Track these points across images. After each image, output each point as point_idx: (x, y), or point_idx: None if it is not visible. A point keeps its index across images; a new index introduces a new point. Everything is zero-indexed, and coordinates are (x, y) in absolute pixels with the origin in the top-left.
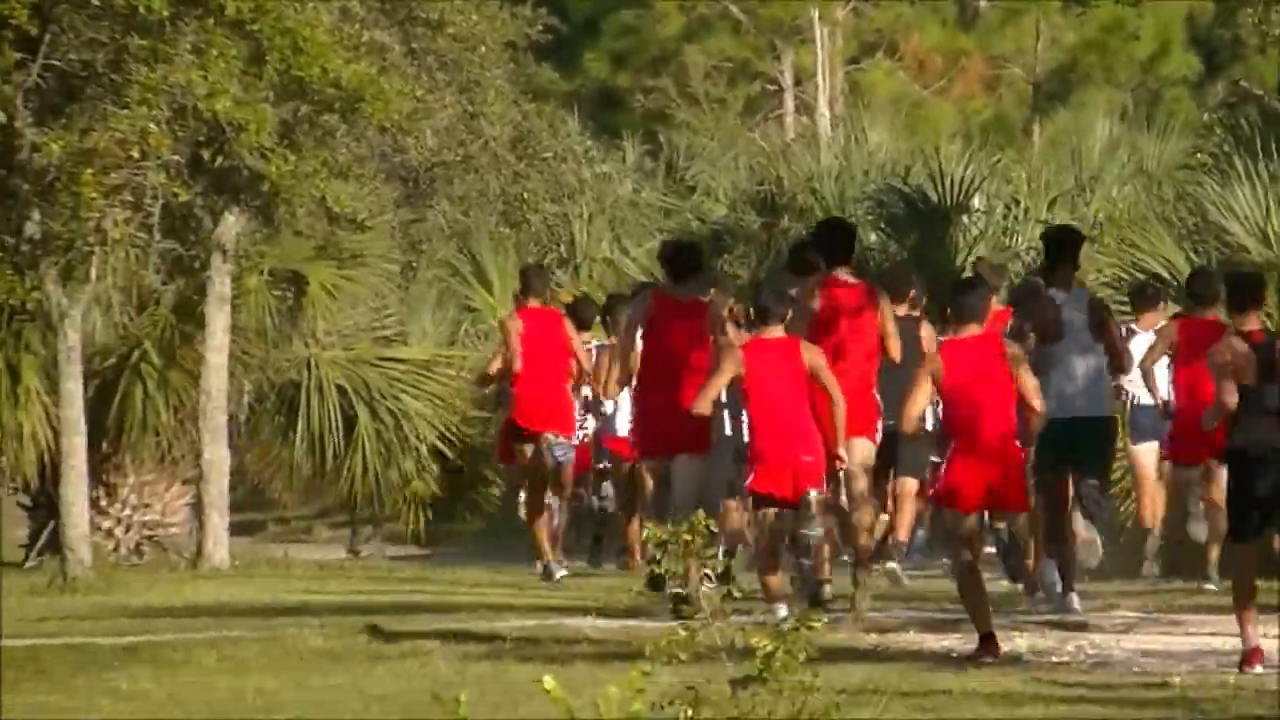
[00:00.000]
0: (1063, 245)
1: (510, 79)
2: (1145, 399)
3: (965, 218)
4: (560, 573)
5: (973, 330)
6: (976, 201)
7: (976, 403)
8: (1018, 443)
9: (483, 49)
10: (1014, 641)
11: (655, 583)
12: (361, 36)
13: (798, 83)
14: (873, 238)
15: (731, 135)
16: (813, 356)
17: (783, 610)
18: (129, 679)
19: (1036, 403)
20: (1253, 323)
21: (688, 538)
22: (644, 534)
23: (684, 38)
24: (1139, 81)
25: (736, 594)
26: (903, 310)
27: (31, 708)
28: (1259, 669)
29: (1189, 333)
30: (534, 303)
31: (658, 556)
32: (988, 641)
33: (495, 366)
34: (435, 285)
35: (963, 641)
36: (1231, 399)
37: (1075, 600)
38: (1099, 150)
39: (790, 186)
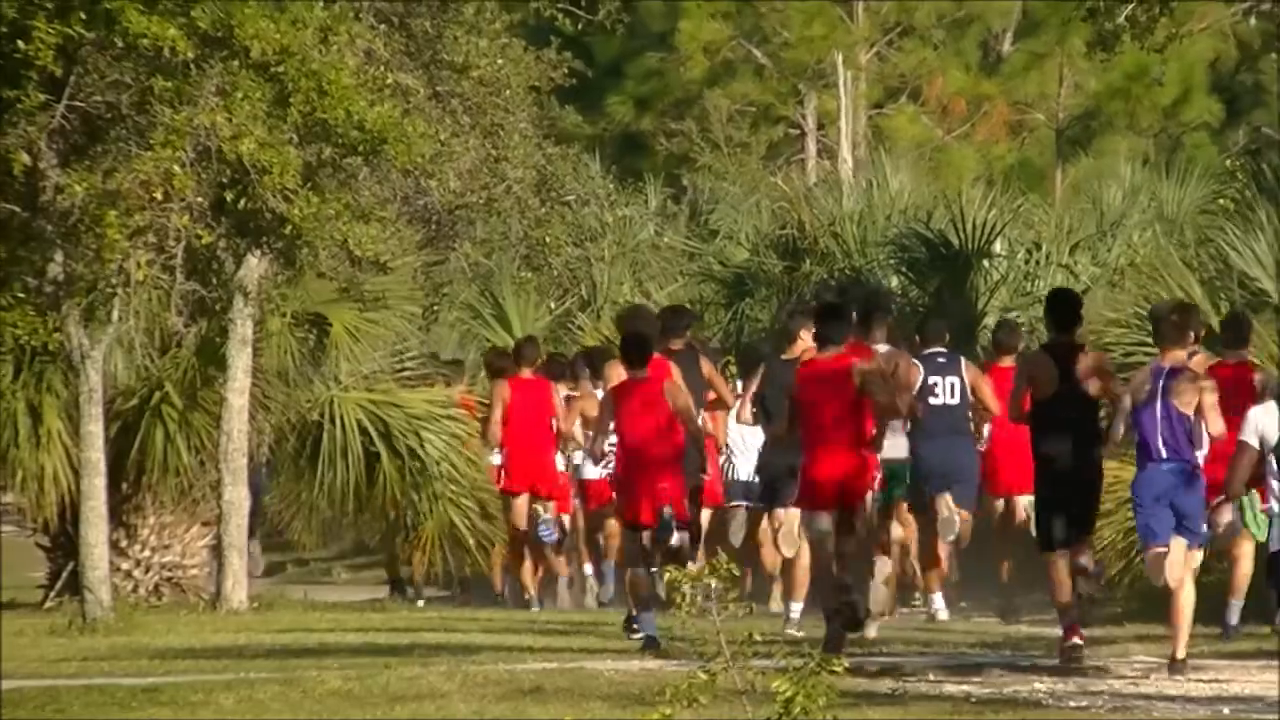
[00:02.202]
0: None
1: (534, 122)
2: None
3: (987, 262)
4: (537, 607)
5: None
6: (998, 246)
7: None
8: None
9: (507, 92)
10: (1033, 685)
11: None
12: (386, 79)
13: (820, 127)
14: (894, 282)
15: (754, 179)
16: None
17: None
18: None
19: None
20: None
21: (710, 582)
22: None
23: (707, 82)
24: (1161, 127)
25: (757, 638)
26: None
27: None
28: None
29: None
30: (526, 372)
31: (678, 600)
32: None
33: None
34: (457, 327)
35: (981, 685)
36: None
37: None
38: (1121, 195)
39: (812, 230)
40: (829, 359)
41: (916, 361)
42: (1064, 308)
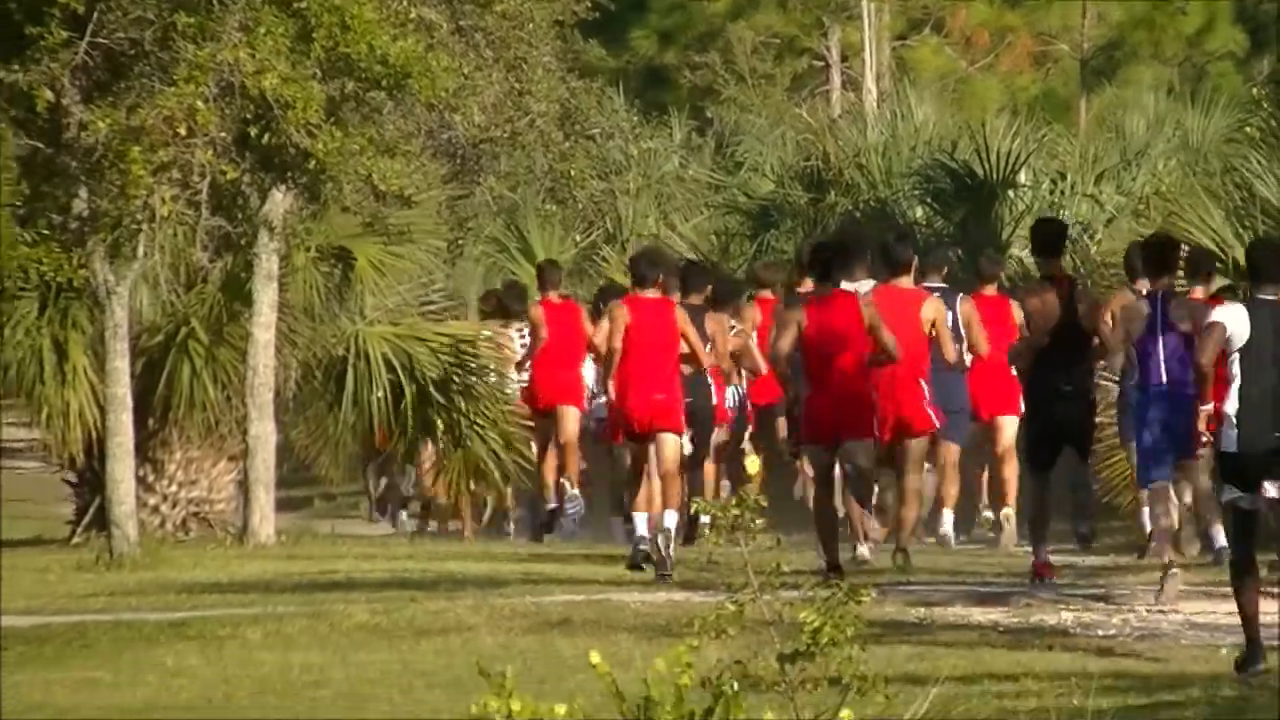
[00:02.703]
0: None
1: (557, 56)
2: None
3: (1012, 193)
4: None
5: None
6: (1023, 177)
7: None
8: None
9: (530, 26)
10: (1060, 614)
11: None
12: (409, 13)
13: (844, 59)
14: (919, 212)
15: (778, 111)
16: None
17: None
18: (175, 655)
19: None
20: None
21: (735, 513)
22: (694, 508)
23: (731, 14)
24: (1185, 57)
25: (784, 569)
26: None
27: (79, 684)
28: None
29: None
30: (551, 295)
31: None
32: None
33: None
34: (482, 261)
35: (1009, 615)
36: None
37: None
38: (1145, 125)
39: (837, 162)
40: (834, 296)
41: None
42: (1050, 234)
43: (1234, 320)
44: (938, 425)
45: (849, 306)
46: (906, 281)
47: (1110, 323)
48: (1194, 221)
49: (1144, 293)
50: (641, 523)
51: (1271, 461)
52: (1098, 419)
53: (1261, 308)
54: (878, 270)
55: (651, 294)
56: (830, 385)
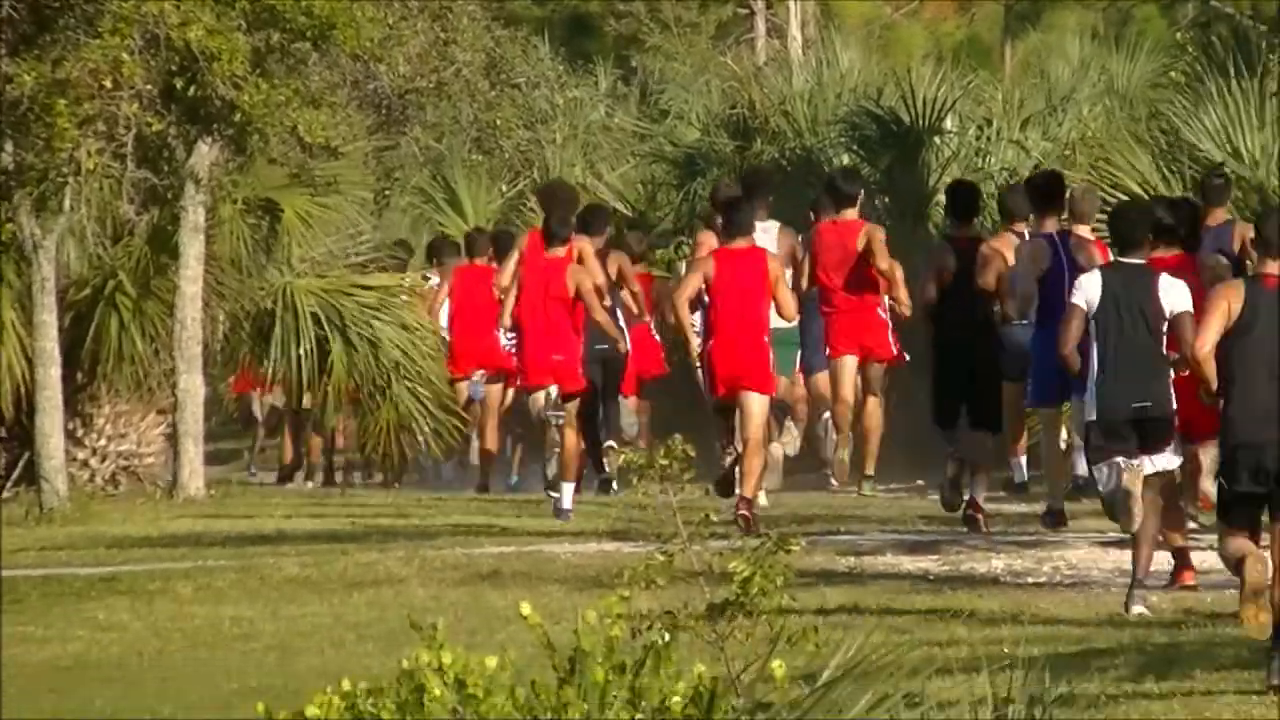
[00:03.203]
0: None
1: (482, 5)
2: None
3: (938, 139)
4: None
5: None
6: (949, 123)
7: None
8: None
9: None
10: (990, 562)
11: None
12: None
13: (769, 6)
14: (845, 160)
15: (704, 59)
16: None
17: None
18: (106, 609)
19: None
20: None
21: (664, 463)
22: (620, 459)
23: None
24: (1109, 1)
25: (713, 518)
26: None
27: (9, 639)
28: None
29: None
30: (479, 261)
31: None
32: None
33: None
34: (409, 212)
35: (939, 563)
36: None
37: None
38: (1070, 71)
39: (762, 110)
40: (742, 249)
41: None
42: (955, 197)
43: (1089, 285)
44: (897, 355)
45: (758, 260)
46: (851, 214)
47: (1000, 269)
48: (1121, 166)
49: (1027, 235)
50: (568, 493)
51: (1133, 430)
52: None
53: (1117, 272)
54: (824, 206)
55: (557, 252)
56: (732, 336)
